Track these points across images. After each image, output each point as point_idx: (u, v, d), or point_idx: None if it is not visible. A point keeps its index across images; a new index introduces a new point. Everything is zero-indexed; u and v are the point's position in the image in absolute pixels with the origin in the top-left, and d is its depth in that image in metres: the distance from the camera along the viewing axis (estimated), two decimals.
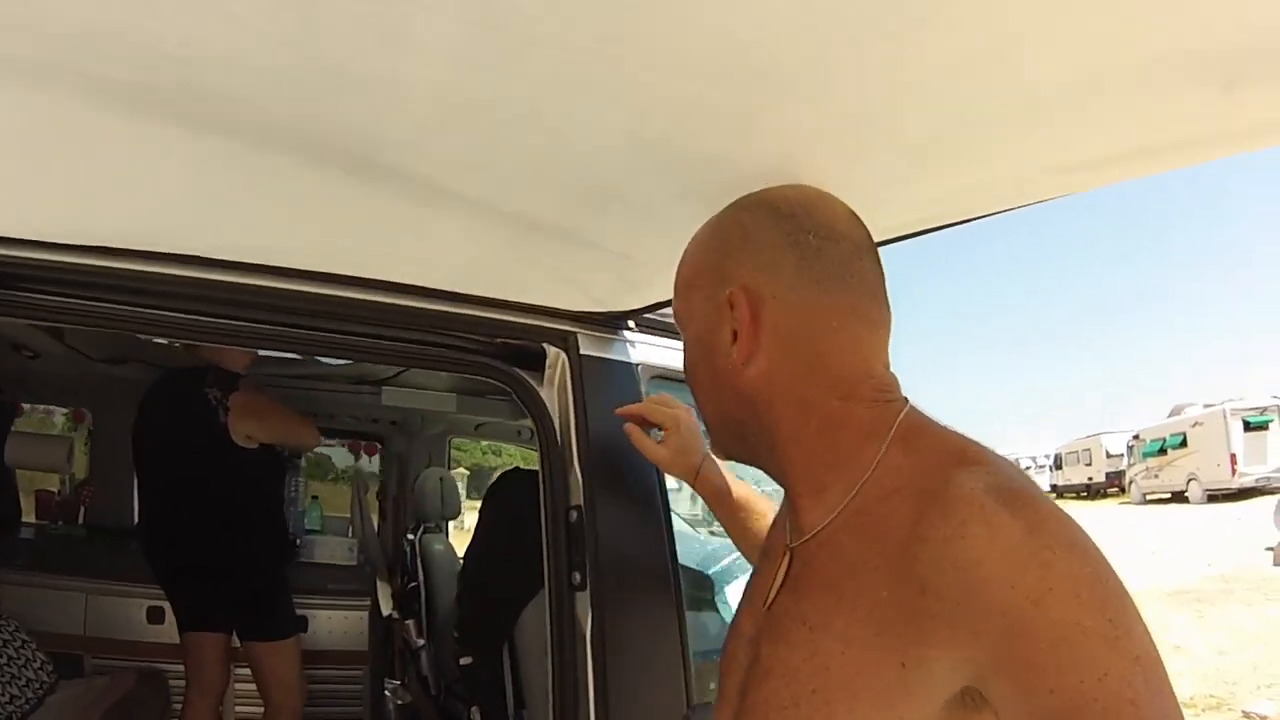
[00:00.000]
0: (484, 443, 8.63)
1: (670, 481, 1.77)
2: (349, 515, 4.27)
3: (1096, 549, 0.70)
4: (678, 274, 1.02)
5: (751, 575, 1.03)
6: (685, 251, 1.02)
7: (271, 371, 3.52)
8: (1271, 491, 17.53)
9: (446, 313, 1.65)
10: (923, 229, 1.20)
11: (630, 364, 1.79)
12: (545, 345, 1.70)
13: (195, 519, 3.05)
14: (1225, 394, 24.59)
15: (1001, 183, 1.09)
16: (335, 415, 4.27)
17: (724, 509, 1.51)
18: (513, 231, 1.36)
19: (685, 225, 1.03)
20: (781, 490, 0.97)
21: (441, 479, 3.86)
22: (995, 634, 0.67)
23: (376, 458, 4.97)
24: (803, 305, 0.88)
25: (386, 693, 3.64)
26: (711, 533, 3.87)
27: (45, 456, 3.71)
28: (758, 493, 1.55)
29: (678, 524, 3.70)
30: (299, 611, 3.38)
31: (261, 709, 3.24)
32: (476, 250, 1.48)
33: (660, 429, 1.53)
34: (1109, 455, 29.60)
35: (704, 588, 2.77)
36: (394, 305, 1.62)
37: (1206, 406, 22.73)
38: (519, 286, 1.65)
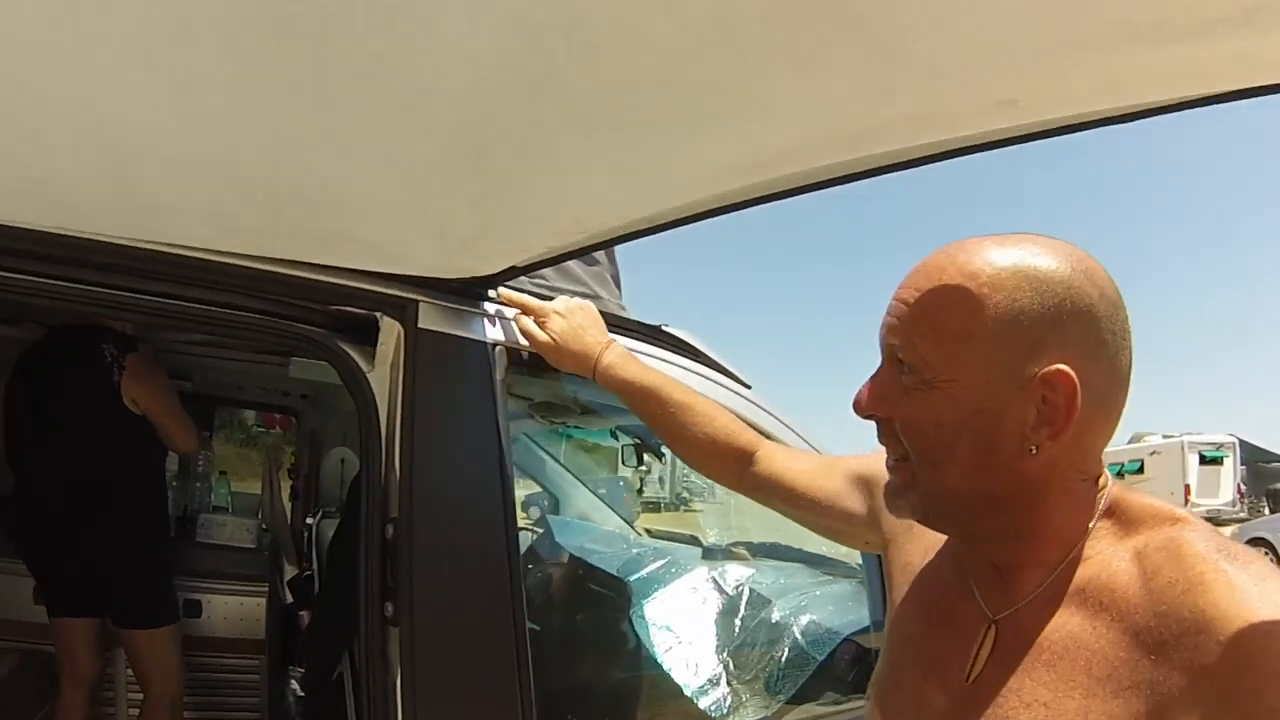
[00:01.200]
0: None
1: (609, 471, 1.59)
2: (260, 494, 3.96)
3: None
4: (939, 301, 0.84)
5: (915, 638, 0.96)
6: (957, 278, 0.83)
7: (168, 337, 3.23)
8: (1223, 523, 18.24)
9: (259, 271, 1.31)
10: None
11: (482, 343, 1.44)
12: (379, 315, 1.37)
13: (66, 491, 2.77)
14: (1184, 425, 26.87)
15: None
16: (242, 386, 3.97)
17: (647, 408, 1.45)
18: (341, 176, 1.07)
19: (563, 164, 0.92)
20: None
21: (343, 460, 3.56)
22: (1227, 666, 0.68)
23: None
24: (1102, 404, 0.82)
25: (292, 682, 3.38)
26: (648, 532, 3.63)
27: None
28: (682, 384, 1.48)
29: (602, 519, 3.50)
30: (192, 596, 3.10)
31: None
32: (300, 203, 1.17)
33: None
34: None
35: (620, 598, 2.57)
36: (197, 259, 1.28)
37: (1165, 437, 23.65)
38: (348, 244, 1.31)
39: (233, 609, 3.21)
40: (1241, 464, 21.72)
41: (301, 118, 0.94)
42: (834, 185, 1.03)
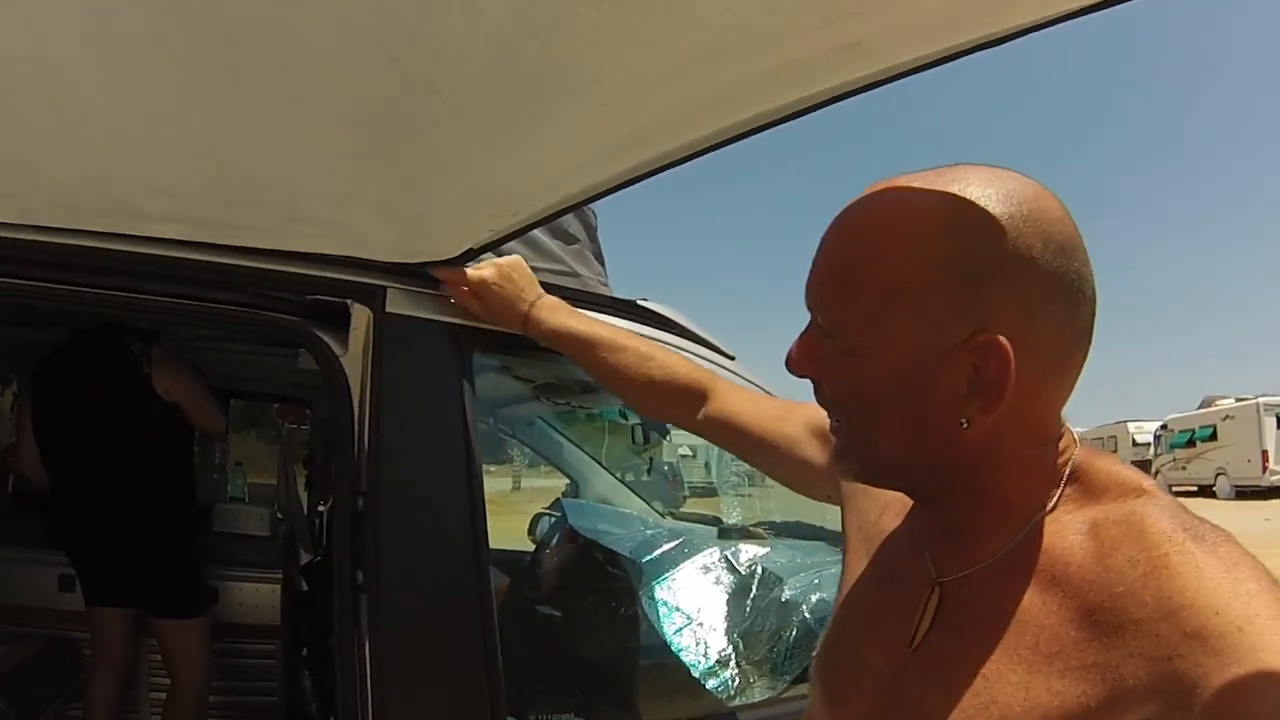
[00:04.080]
0: None
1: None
2: (276, 483, 4.21)
3: None
4: (854, 258, 0.82)
5: (861, 597, 0.98)
6: (874, 230, 0.82)
7: (179, 333, 3.44)
8: None
9: (237, 266, 1.52)
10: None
11: (449, 324, 1.63)
12: (350, 302, 1.57)
13: (109, 485, 3.06)
14: (1259, 387, 25.27)
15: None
16: (252, 379, 4.20)
17: (582, 356, 1.53)
18: (305, 162, 1.25)
19: (465, 151, 0.99)
20: None
21: None
22: (1191, 663, 0.67)
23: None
24: (1054, 364, 0.81)
25: (307, 669, 3.64)
26: (671, 514, 3.78)
27: None
28: (619, 329, 1.56)
29: (624, 502, 3.64)
30: (209, 584, 3.39)
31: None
32: (252, 194, 1.36)
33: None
34: (1135, 444, 29.85)
35: (630, 578, 2.73)
36: (184, 260, 1.49)
37: (1239, 400, 22.94)
38: (314, 232, 1.51)
39: (248, 596, 3.46)
40: None
41: (237, 117, 1.11)
42: (711, 150, 1.15)
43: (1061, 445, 0.85)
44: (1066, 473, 0.83)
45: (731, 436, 1.41)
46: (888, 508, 1.01)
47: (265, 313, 1.58)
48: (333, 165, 1.25)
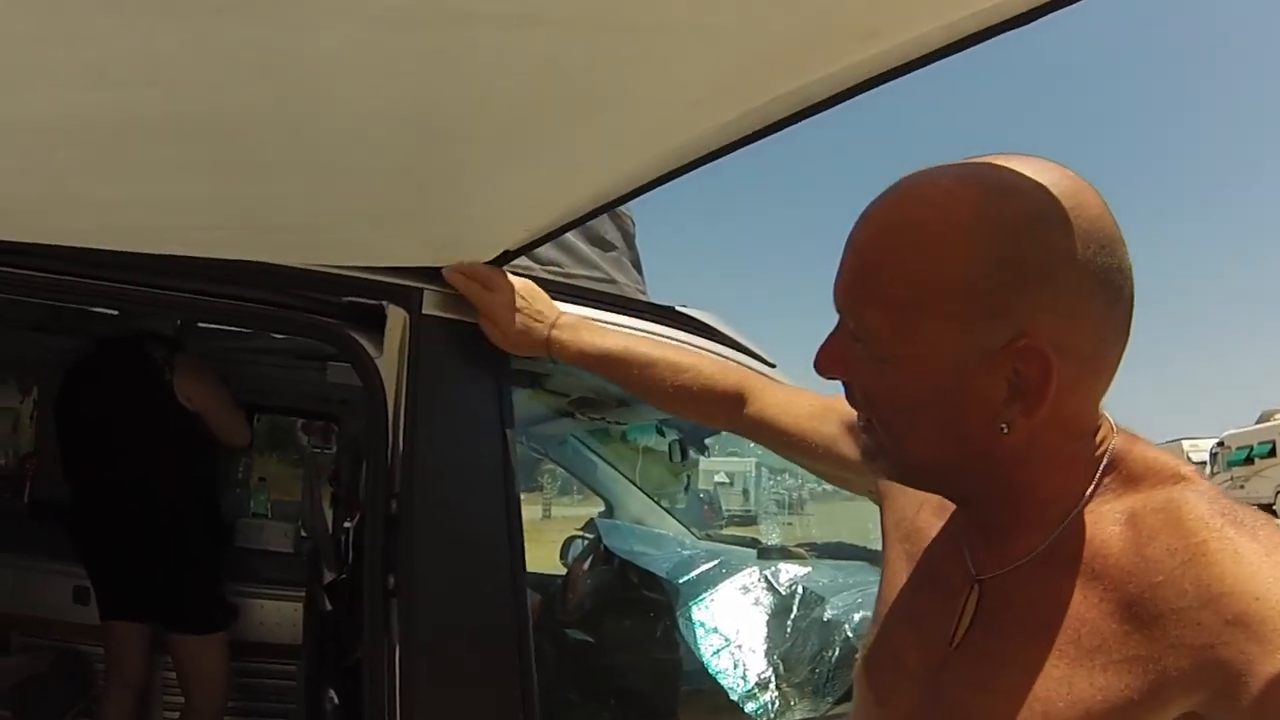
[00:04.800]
0: None
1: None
2: (300, 500, 4.25)
3: None
4: (881, 261, 0.81)
5: (902, 597, 0.99)
6: (902, 232, 0.80)
7: (205, 344, 3.50)
8: None
9: (275, 266, 1.55)
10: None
11: None
12: (386, 304, 1.60)
13: (128, 496, 3.09)
14: None
15: None
16: (278, 393, 4.25)
17: (614, 374, 1.54)
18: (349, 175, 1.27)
19: (553, 150, 1.00)
20: None
21: None
22: (1237, 647, 0.68)
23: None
24: (1093, 362, 0.80)
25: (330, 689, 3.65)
26: (708, 536, 3.78)
27: None
28: (647, 339, 1.57)
29: (659, 524, 3.64)
30: (231, 600, 3.42)
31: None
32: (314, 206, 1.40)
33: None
34: (1190, 462, 29.24)
35: (666, 599, 2.76)
36: (220, 259, 1.52)
37: None
38: (358, 244, 1.55)
39: (270, 613, 3.51)
40: None
41: (257, 146, 1.14)
42: (739, 148, 1.15)
43: (1099, 436, 0.85)
44: (1104, 462, 0.83)
45: (771, 437, 1.42)
46: (925, 504, 1.01)
47: (300, 313, 1.61)
48: (362, 185, 1.28)
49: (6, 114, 0.98)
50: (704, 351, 1.70)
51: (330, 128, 1.07)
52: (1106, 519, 0.80)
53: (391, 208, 1.37)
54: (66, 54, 0.83)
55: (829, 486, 1.63)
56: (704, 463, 4.27)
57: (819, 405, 1.37)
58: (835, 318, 0.88)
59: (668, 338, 1.86)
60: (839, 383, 0.92)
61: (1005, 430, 0.79)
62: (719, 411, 1.50)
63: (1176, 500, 0.77)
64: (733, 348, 2.02)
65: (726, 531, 4.08)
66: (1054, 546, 0.82)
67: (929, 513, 1.01)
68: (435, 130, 1.09)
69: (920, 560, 0.99)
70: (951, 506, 0.97)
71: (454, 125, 1.08)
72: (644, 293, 2.19)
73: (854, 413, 1.14)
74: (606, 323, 1.75)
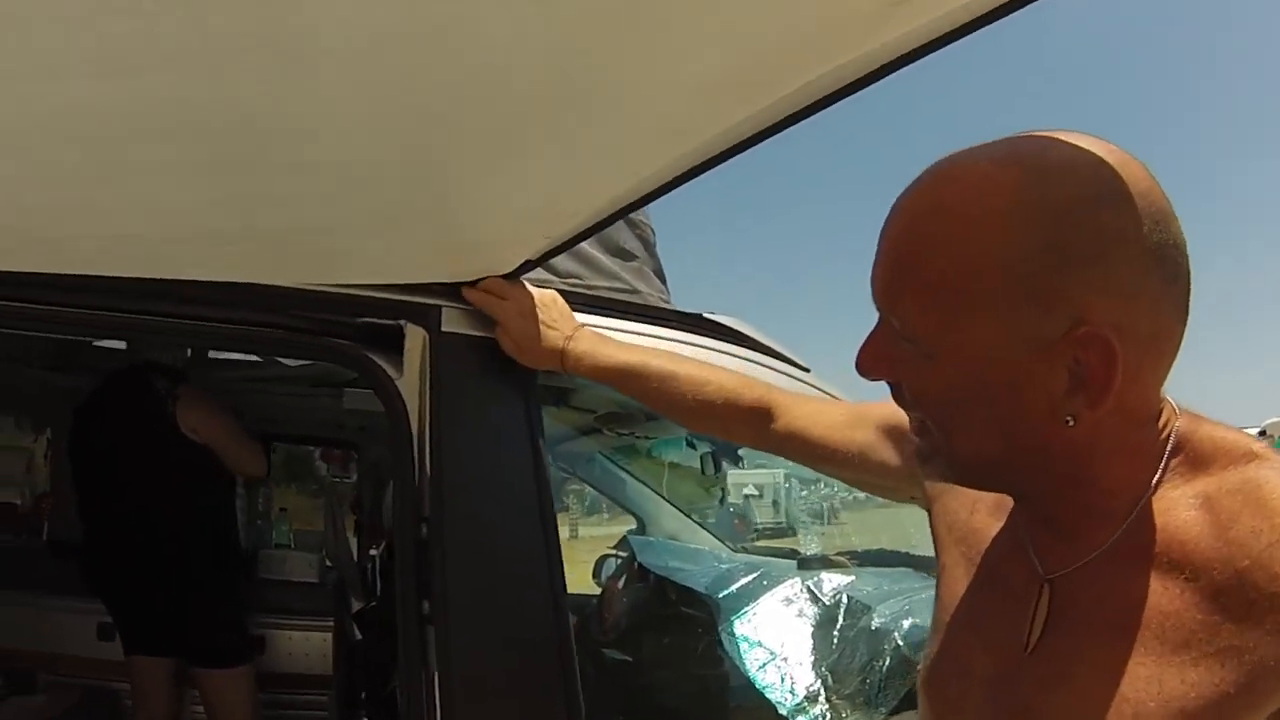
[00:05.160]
0: None
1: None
2: (323, 529, 4.26)
3: None
4: (922, 252, 0.78)
5: (964, 602, 0.96)
6: (943, 219, 0.77)
7: (216, 375, 3.54)
8: None
9: (286, 288, 1.52)
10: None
11: None
12: (404, 322, 1.56)
13: (138, 530, 3.11)
14: None
15: None
16: (294, 422, 4.24)
17: (633, 389, 1.51)
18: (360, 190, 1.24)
19: (575, 148, 0.98)
20: None
21: None
22: None
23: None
24: (1154, 344, 0.77)
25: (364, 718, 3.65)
26: (744, 549, 3.76)
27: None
28: (666, 353, 1.53)
29: (692, 537, 3.63)
30: (255, 632, 3.42)
31: None
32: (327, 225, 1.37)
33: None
34: None
35: (707, 615, 2.72)
36: (227, 281, 1.49)
37: None
38: (373, 257, 1.51)
39: (298, 645, 3.52)
40: None
41: (262, 162, 1.11)
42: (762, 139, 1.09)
43: (1162, 419, 0.82)
44: (1169, 447, 0.81)
45: (802, 451, 1.39)
46: (978, 504, 0.99)
47: (314, 336, 1.58)
48: (373, 196, 1.25)
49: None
50: (724, 365, 1.64)
51: (339, 129, 1.04)
52: (1179, 505, 0.78)
53: (407, 217, 1.33)
54: (63, 40, 0.79)
55: (861, 494, 1.61)
56: (732, 475, 4.26)
57: (851, 413, 1.34)
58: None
59: (697, 347, 1.83)
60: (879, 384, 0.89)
61: (1071, 423, 0.76)
62: (744, 427, 1.47)
63: (1255, 479, 0.74)
64: (765, 353, 1.99)
65: (763, 544, 4.05)
66: (1125, 538, 0.79)
67: (984, 513, 0.98)
68: (450, 129, 1.06)
69: (980, 563, 0.96)
70: (1008, 504, 0.94)
71: (469, 123, 1.04)
72: (668, 302, 2.16)
73: (891, 416, 1.16)
74: (631, 333, 1.72)
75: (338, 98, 0.95)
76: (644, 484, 3.76)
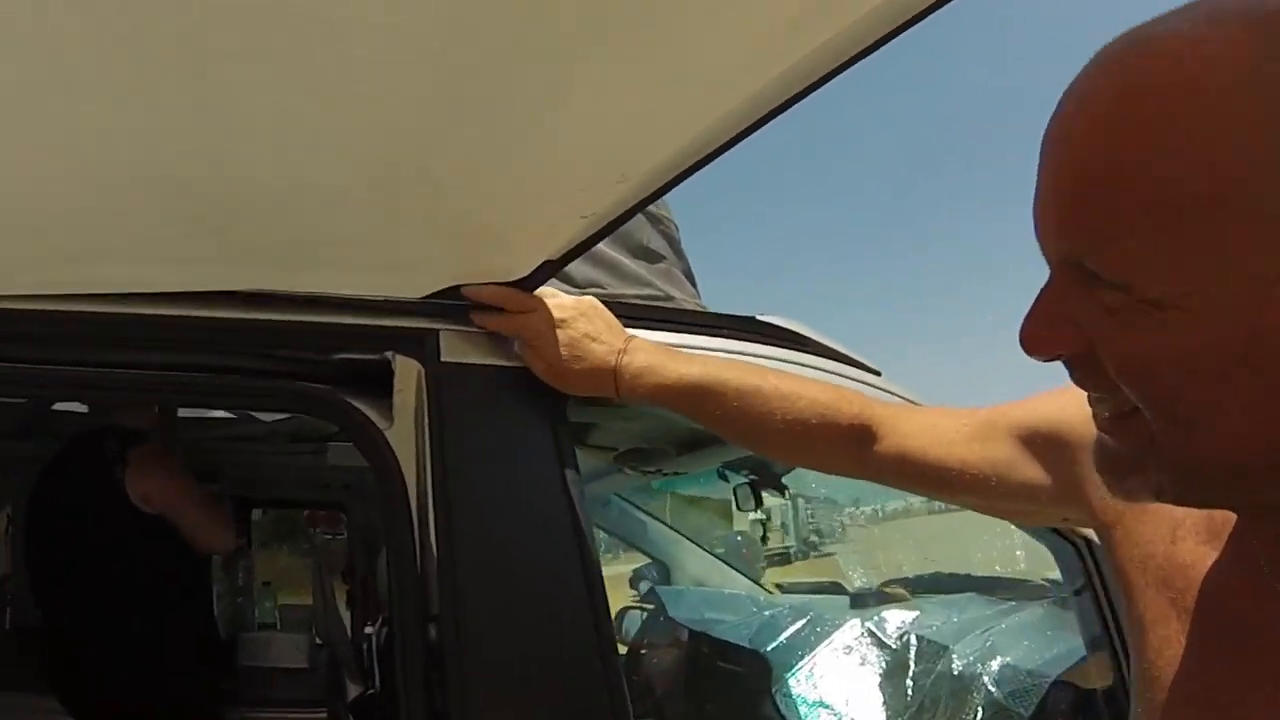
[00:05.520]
0: None
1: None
2: (312, 603, 4.05)
3: None
4: (1138, 158, 0.57)
5: (1189, 660, 0.75)
6: (1158, 110, 0.57)
7: (191, 435, 3.34)
8: None
9: (243, 321, 1.25)
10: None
11: (527, 368, 1.31)
12: (391, 355, 1.28)
13: (93, 620, 2.85)
14: None
15: None
16: (274, 483, 4.02)
17: (704, 410, 1.28)
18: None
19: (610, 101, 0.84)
20: None
21: None
22: None
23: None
24: None
25: None
26: (778, 587, 3.57)
27: None
28: (742, 364, 1.33)
29: (725, 582, 3.45)
30: None
31: None
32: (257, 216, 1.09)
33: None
34: None
35: (758, 674, 2.52)
36: (167, 318, 1.23)
37: None
38: (336, 258, 1.24)
39: None
40: None
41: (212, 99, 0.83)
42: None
43: None
44: None
45: (916, 478, 1.19)
46: (1180, 528, 0.79)
47: (280, 380, 1.30)
48: (355, 163, 0.98)
49: None
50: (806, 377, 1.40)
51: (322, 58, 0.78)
52: None
53: (391, 194, 1.06)
54: None
55: (867, 508, 1.39)
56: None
57: (974, 422, 1.12)
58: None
59: (753, 356, 1.55)
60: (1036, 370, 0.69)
61: None
62: (842, 450, 1.24)
63: None
64: (832, 358, 1.71)
65: (805, 579, 3.88)
66: None
67: (1192, 539, 0.78)
68: (461, 65, 0.80)
69: (1197, 609, 0.76)
70: (1221, 525, 0.75)
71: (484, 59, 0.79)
72: (702, 306, 1.93)
73: (1025, 421, 1.01)
74: (675, 347, 1.44)
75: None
76: (666, 525, 3.62)
